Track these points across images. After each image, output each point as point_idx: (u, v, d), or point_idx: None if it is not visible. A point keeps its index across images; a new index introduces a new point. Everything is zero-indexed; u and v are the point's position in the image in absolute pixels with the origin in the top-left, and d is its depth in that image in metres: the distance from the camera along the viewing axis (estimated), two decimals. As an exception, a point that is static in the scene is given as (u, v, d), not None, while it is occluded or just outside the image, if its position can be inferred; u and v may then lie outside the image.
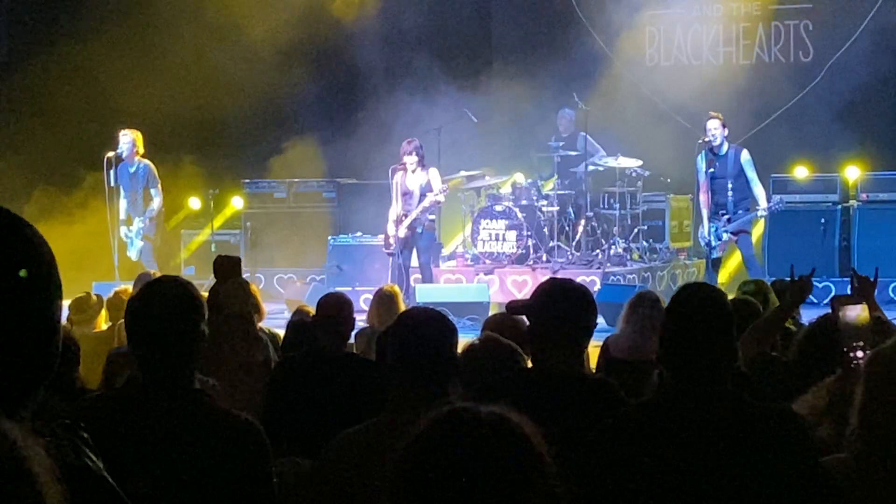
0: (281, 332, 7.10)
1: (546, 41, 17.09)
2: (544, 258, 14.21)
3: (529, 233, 14.06)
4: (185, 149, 16.62)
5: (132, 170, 13.52)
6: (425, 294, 12.52)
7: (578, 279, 10.57)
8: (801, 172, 15.08)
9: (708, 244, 12.83)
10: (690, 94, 15.60)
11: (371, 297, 8.14)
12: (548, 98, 15.91)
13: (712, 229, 12.77)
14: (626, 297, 6.66)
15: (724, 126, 12.76)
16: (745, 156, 12.82)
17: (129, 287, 8.56)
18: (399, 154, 12.90)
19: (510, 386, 4.06)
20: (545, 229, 14.29)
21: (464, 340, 4.48)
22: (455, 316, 10.58)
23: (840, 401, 3.82)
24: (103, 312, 8.18)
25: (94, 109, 16.04)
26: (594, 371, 5.91)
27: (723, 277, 13.69)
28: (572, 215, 14.63)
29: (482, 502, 1.78)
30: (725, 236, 12.80)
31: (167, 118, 15.65)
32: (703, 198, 12.86)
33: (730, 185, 12.72)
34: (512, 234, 14.12)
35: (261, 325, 6.77)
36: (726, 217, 12.76)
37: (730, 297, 6.36)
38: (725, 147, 12.81)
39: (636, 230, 14.84)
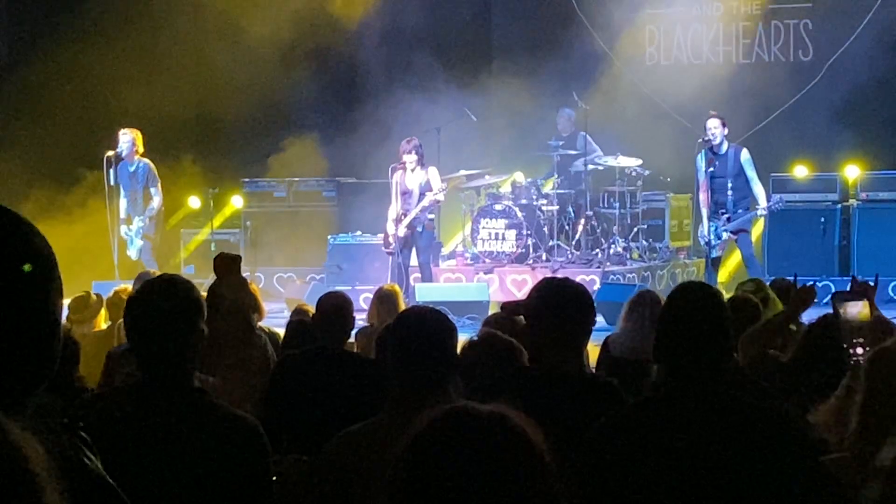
0: (280, 332, 7.10)
1: (546, 40, 17.08)
2: (544, 257, 14.21)
3: (529, 232, 14.06)
4: (185, 148, 16.62)
5: (132, 169, 13.53)
6: (425, 293, 12.52)
7: (578, 278, 10.59)
8: (800, 171, 15.08)
9: (708, 243, 12.83)
10: (690, 94, 15.60)
11: (371, 296, 8.14)
12: (547, 97, 15.89)
13: (712, 228, 12.77)
14: (626, 297, 6.68)
15: (723, 125, 12.76)
16: (744, 155, 12.82)
17: (128, 286, 8.56)
18: (399, 153, 12.89)
19: (510, 385, 4.06)
20: (545, 228, 14.29)
21: (463, 339, 4.48)
22: (455, 315, 10.58)
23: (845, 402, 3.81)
24: (103, 311, 8.18)
25: (93, 108, 16.04)
26: (595, 370, 5.91)
27: (722, 276, 13.69)
28: (572, 214, 14.63)
29: (482, 501, 1.78)
30: (725, 235, 12.80)
31: (167, 117, 15.64)
32: (703, 197, 12.86)
33: (729, 185, 12.72)
34: (512, 234, 14.12)
35: (260, 323, 6.76)
36: (726, 216, 12.76)
37: (729, 296, 6.38)
38: (725, 146, 12.81)
39: (636, 229, 14.84)
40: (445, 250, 15.25)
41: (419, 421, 1.87)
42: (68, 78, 16.21)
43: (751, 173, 12.81)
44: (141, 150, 13.56)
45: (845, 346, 4.16)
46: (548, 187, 14.87)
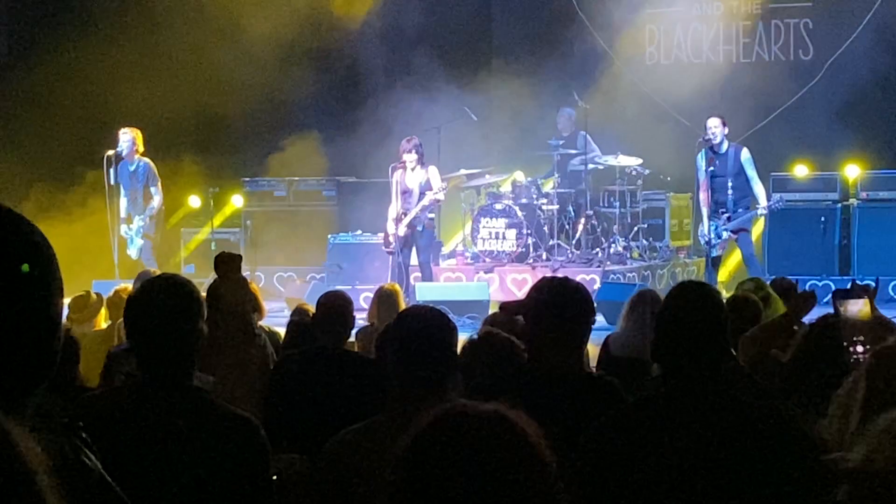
0: (280, 331, 7.09)
1: (546, 39, 17.08)
2: (544, 256, 14.21)
3: (529, 231, 14.06)
4: (185, 147, 16.62)
5: (132, 168, 13.53)
6: (425, 292, 12.52)
7: (578, 277, 10.59)
8: (800, 171, 15.07)
9: (708, 242, 12.83)
10: (690, 93, 15.60)
11: (371, 295, 8.14)
12: (548, 96, 15.90)
13: (712, 228, 12.77)
14: (627, 296, 6.68)
15: (724, 124, 12.76)
16: (745, 154, 12.82)
17: (129, 285, 8.55)
18: (399, 152, 12.90)
19: (510, 384, 4.06)
20: (545, 228, 14.29)
21: (463, 338, 4.48)
22: (455, 314, 10.58)
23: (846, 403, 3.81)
24: (103, 311, 8.17)
25: (93, 108, 16.03)
26: (595, 369, 5.92)
27: (723, 276, 13.69)
28: (572, 214, 14.62)
29: (482, 500, 1.78)
30: (725, 235, 12.81)
31: (167, 116, 15.64)
32: (703, 196, 12.87)
33: (730, 184, 12.73)
34: (512, 233, 14.12)
35: (260, 323, 6.76)
36: (726, 215, 12.76)
37: (730, 295, 6.38)
38: (725, 145, 12.81)
39: (636, 228, 14.84)
40: (446, 249, 15.25)
41: (419, 420, 1.87)
42: (68, 78, 16.20)
43: (751, 172, 12.81)
44: (141, 149, 13.56)
45: (845, 344, 4.15)
46: (548, 186, 14.86)
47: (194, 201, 16.52)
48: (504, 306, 4.44)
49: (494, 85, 16.76)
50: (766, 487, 3.25)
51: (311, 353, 5.74)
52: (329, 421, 4.29)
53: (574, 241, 14.57)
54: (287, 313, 8.76)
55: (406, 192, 12.84)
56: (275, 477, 3.37)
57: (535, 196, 14.40)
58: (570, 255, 14.31)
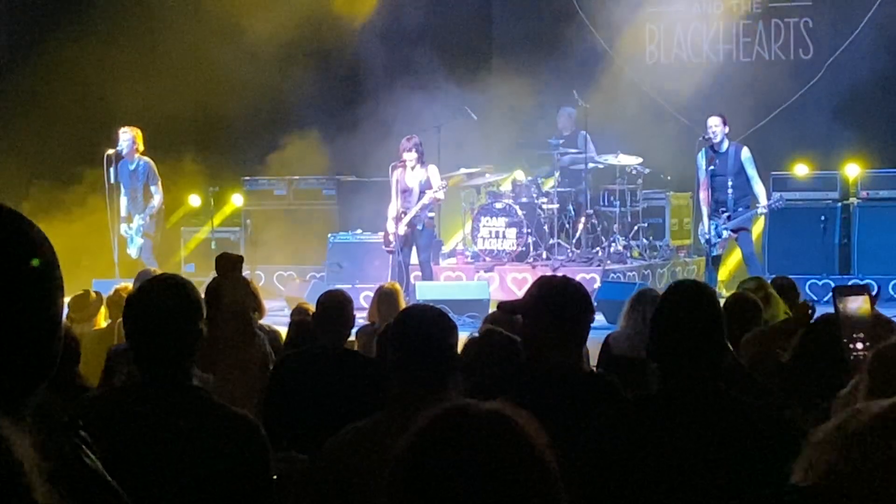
0: (280, 330, 7.10)
1: (546, 38, 17.07)
2: (544, 256, 14.22)
3: (529, 230, 14.06)
4: (186, 146, 16.62)
5: (132, 167, 13.53)
6: (425, 291, 12.52)
7: (579, 277, 10.60)
8: (801, 170, 15.07)
9: (708, 241, 12.84)
10: (690, 92, 15.60)
11: (371, 294, 8.15)
12: (548, 95, 15.90)
13: (712, 227, 12.77)
14: (627, 295, 6.69)
15: (724, 123, 12.76)
16: (745, 153, 12.83)
17: (129, 285, 8.56)
18: (399, 151, 12.89)
19: (510, 382, 4.06)
20: (545, 227, 14.29)
21: (463, 337, 4.48)
22: (455, 313, 10.57)
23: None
24: (103, 310, 8.17)
25: (93, 107, 16.04)
26: (595, 368, 5.92)
27: (723, 275, 13.69)
28: (572, 213, 14.62)
29: (482, 500, 1.78)
30: (725, 234, 12.81)
31: (167, 115, 15.64)
32: (704, 195, 12.87)
33: (730, 183, 12.73)
34: (512, 232, 14.12)
35: (261, 322, 6.76)
36: (726, 214, 12.76)
37: (730, 294, 6.37)
38: (726, 144, 12.81)
39: (636, 228, 14.84)
40: (446, 248, 15.25)
41: (419, 419, 1.86)
42: (68, 77, 16.21)
43: (751, 171, 12.82)
44: (141, 148, 13.56)
45: (845, 340, 4.15)
46: (548, 185, 14.86)
47: (194, 200, 16.53)
48: (502, 305, 4.44)
49: (494, 84, 16.76)
50: (766, 487, 3.24)
51: (311, 352, 5.74)
52: (329, 420, 4.28)
53: (574, 240, 14.57)
54: (287, 312, 8.77)
55: (406, 191, 12.84)
56: (275, 477, 3.36)
57: (535, 195, 14.40)
58: (570, 254, 14.31)
